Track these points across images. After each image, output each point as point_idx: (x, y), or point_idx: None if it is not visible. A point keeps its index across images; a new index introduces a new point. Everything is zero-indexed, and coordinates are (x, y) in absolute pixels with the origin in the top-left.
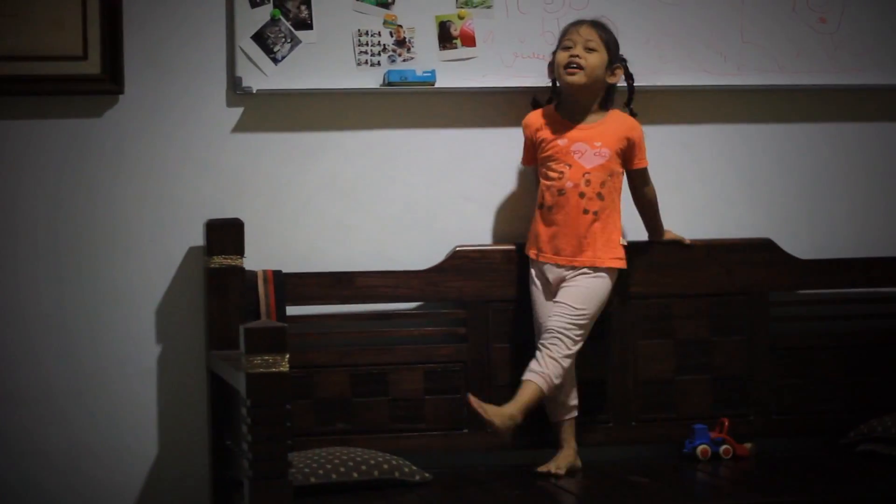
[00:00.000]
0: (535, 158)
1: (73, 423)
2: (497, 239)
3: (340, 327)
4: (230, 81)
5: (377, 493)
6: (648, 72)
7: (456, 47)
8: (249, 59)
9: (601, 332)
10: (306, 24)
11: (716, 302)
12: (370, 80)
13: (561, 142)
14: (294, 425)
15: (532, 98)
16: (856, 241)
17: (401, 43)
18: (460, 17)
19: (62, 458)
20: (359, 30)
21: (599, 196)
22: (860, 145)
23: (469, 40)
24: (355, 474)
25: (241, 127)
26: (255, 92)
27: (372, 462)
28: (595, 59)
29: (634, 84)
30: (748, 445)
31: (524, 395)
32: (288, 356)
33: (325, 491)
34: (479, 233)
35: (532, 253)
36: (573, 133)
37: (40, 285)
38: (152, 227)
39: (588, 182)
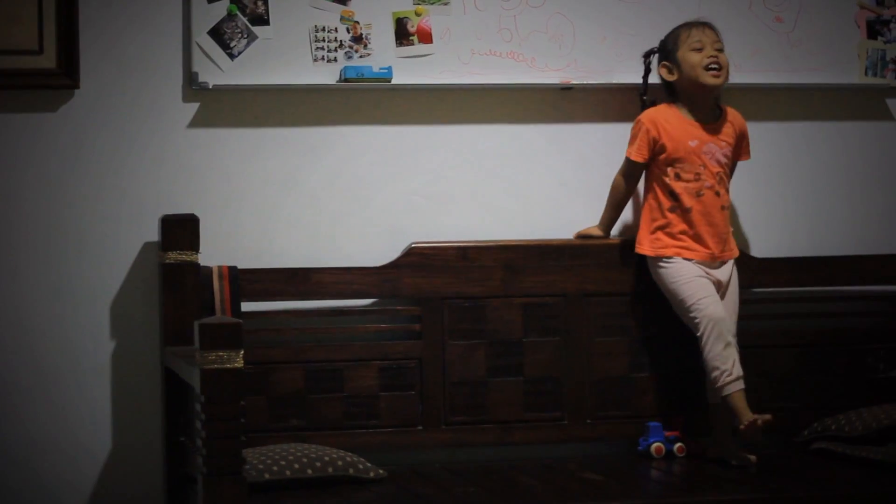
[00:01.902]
0: (651, 155)
1: (26, 418)
2: (453, 236)
3: (295, 323)
4: (186, 77)
5: (332, 490)
6: (604, 70)
7: (413, 44)
8: (206, 54)
9: (556, 329)
10: (263, 20)
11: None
12: (327, 76)
13: (692, 143)
14: (248, 422)
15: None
16: (812, 240)
17: (357, 39)
18: (417, 14)
19: (15, 453)
20: (315, 26)
21: (727, 191)
22: (816, 144)
23: (426, 37)
24: (310, 471)
25: (197, 122)
26: (211, 87)
27: (326, 459)
28: (726, 59)
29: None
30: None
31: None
32: (243, 352)
33: (280, 487)
34: (434, 229)
35: (675, 252)
36: (702, 134)
37: None
38: (107, 222)
39: (721, 180)
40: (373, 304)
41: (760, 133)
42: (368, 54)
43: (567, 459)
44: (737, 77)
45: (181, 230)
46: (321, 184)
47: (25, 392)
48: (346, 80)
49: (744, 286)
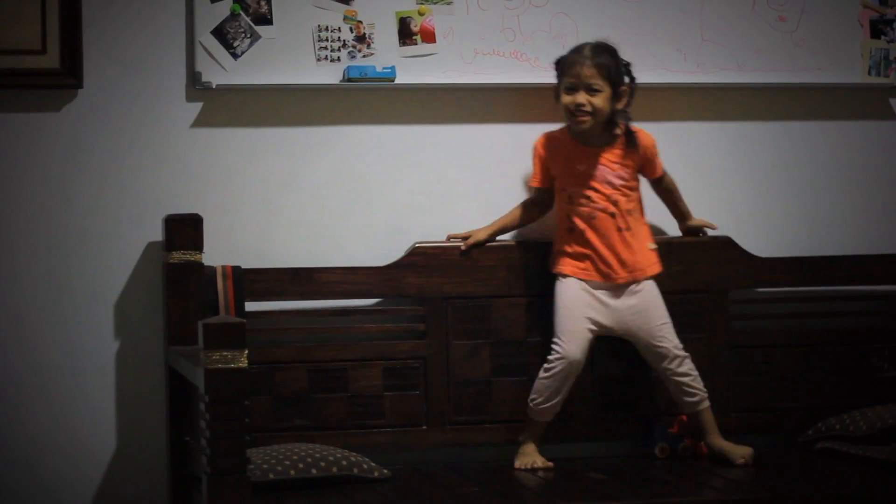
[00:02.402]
0: (548, 181)
1: (30, 418)
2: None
3: (299, 323)
4: (189, 76)
5: (336, 489)
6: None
7: (416, 43)
8: (209, 53)
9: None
10: (266, 20)
11: (676, 300)
12: (330, 75)
13: (580, 167)
14: (253, 421)
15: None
16: (815, 239)
17: (361, 39)
18: (420, 14)
19: (20, 453)
20: (319, 25)
21: (628, 212)
22: (819, 143)
23: (429, 36)
24: (314, 471)
25: (200, 122)
26: (214, 87)
27: (331, 458)
28: (600, 101)
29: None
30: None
31: (713, 423)
32: (247, 352)
33: (284, 487)
34: (438, 229)
35: (571, 272)
36: (591, 158)
37: None
38: (111, 222)
39: (616, 203)
40: (377, 304)
41: (762, 132)
42: (372, 54)
43: (571, 459)
44: (739, 76)
45: (185, 230)
46: (325, 183)
47: (29, 392)
48: (349, 80)
49: (747, 286)
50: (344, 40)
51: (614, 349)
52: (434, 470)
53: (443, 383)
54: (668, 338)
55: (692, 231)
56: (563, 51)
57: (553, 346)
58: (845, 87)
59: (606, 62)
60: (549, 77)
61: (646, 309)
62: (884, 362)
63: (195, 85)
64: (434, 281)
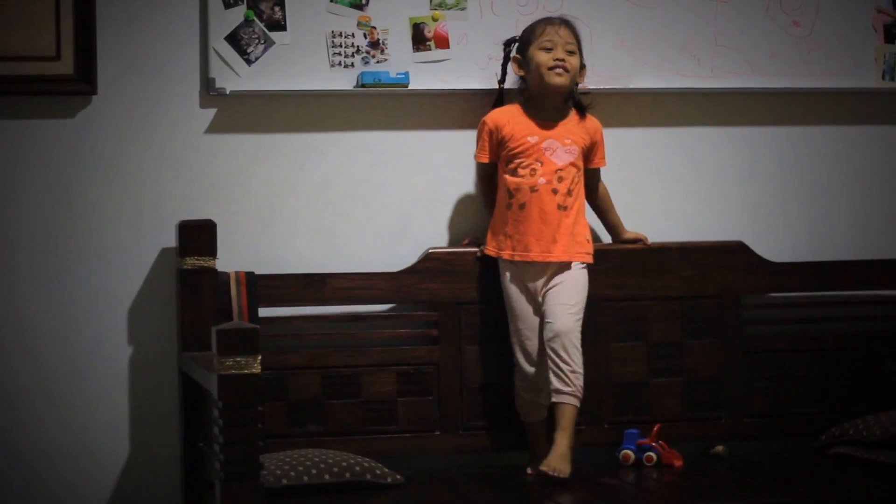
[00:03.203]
0: (495, 155)
1: (44, 423)
2: (470, 241)
3: (313, 329)
4: (203, 82)
5: (349, 495)
6: (622, 74)
7: (430, 49)
8: (223, 60)
9: None
10: (280, 26)
11: (688, 304)
12: (344, 81)
13: (531, 139)
14: (266, 427)
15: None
16: (828, 244)
17: (374, 44)
18: (434, 19)
19: (34, 459)
20: (332, 31)
21: (569, 193)
22: (832, 148)
23: (443, 42)
24: (327, 476)
25: (214, 128)
26: (228, 93)
27: (344, 464)
28: (575, 62)
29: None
30: (719, 448)
31: (568, 422)
32: (260, 358)
33: (297, 493)
34: (451, 234)
35: (504, 253)
36: (543, 131)
37: (12, 286)
38: (125, 228)
39: (560, 179)
40: (390, 310)
41: (777, 137)
42: (385, 59)
43: (585, 464)
44: (754, 81)
45: (198, 236)
46: (339, 189)
47: (42, 398)
48: (363, 86)
49: (760, 291)
50: (358, 46)
51: (627, 355)
52: (448, 475)
53: (456, 389)
54: (564, 318)
55: (628, 242)
56: None
57: (513, 347)
58: (859, 91)
59: (577, 30)
60: None
61: (562, 287)
62: None
63: (209, 91)
64: (447, 286)
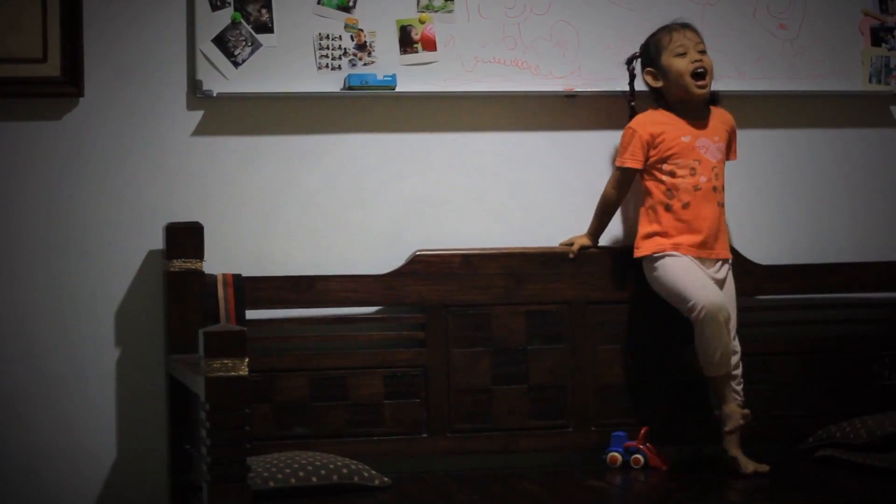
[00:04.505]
0: (644, 159)
1: (30, 426)
2: (457, 243)
3: (300, 331)
4: (190, 85)
5: (336, 497)
6: (609, 77)
7: (417, 51)
8: (210, 62)
9: (560, 337)
10: (267, 28)
11: (675, 308)
12: (331, 84)
13: (685, 139)
14: (253, 429)
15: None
16: (816, 247)
17: (362, 47)
18: (421, 22)
19: (20, 461)
20: (319, 33)
21: (723, 188)
22: (819, 151)
23: (430, 45)
24: (314, 479)
25: (201, 130)
26: (215, 95)
27: (331, 466)
28: (708, 61)
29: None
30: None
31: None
32: (247, 360)
33: (285, 495)
34: (439, 237)
35: (671, 248)
36: (694, 130)
37: None
38: (111, 231)
39: (717, 175)
40: (377, 312)
41: (764, 140)
42: (372, 62)
43: (572, 467)
44: (741, 84)
45: (186, 238)
46: (325, 191)
47: (30, 400)
48: (350, 88)
49: (747, 293)
50: (345, 48)
51: (613, 357)
52: (435, 478)
53: (443, 391)
54: (735, 323)
55: None
56: (563, 58)
57: (695, 298)
58: (846, 94)
59: (699, 31)
60: (549, 85)
61: (727, 293)
62: (884, 370)
63: (196, 93)
64: (435, 289)
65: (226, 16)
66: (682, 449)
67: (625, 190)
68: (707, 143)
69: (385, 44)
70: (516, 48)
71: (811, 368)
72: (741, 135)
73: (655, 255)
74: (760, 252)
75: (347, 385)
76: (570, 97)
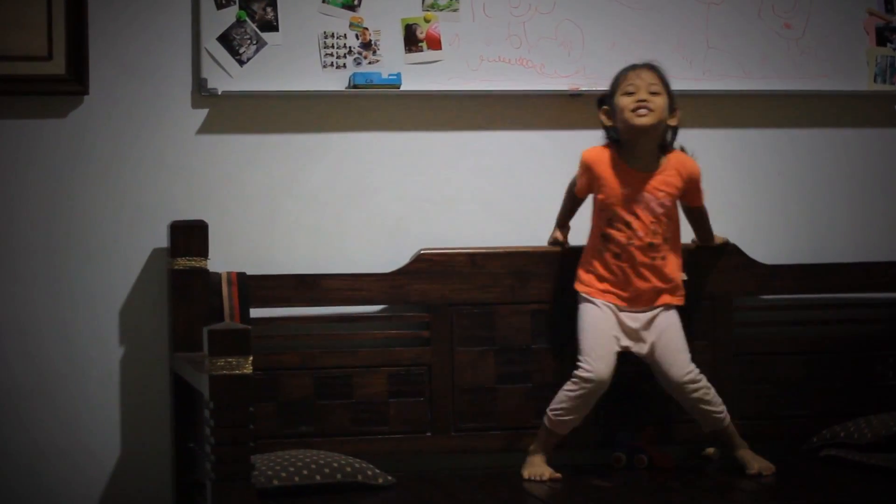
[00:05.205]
0: (588, 191)
1: (35, 424)
2: (461, 242)
3: (304, 330)
4: (195, 83)
5: (340, 495)
6: (614, 76)
7: (422, 50)
8: (215, 60)
9: (564, 336)
10: (272, 26)
11: (679, 306)
12: (336, 82)
13: (625, 190)
14: (257, 428)
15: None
16: (820, 247)
17: (366, 45)
18: (426, 20)
19: (24, 459)
20: (324, 32)
21: (665, 241)
22: (824, 151)
23: (435, 43)
24: (318, 477)
25: (206, 128)
26: (220, 93)
27: (335, 465)
28: (661, 101)
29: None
30: (711, 450)
31: (737, 435)
32: (251, 358)
33: (288, 493)
34: (444, 236)
35: (595, 293)
36: (637, 182)
37: (3, 286)
38: (116, 229)
39: (655, 232)
40: (381, 311)
41: (768, 139)
42: (377, 61)
43: (576, 466)
44: (746, 84)
45: (190, 236)
46: (330, 189)
47: (34, 398)
48: (354, 87)
49: (751, 293)
50: (350, 47)
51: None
52: (439, 477)
53: (447, 390)
54: (686, 365)
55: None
56: (568, 58)
57: (581, 365)
58: (851, 94)
59: (662, 73)
60: (554, 84)
61: (666, 336)
62: (888, 370)
63: (201, 91)
64: (439, 288)
65: (231, 14)
66: (687, 448)
67: (575, 202)
68: (649, 198)
69: (390, 42)
70: (521, 47)
71: (815, 368)
72: (744, 134)
73: (584, 294)
74: (764, 251)
75: (352, 384)
76: (575, 96)
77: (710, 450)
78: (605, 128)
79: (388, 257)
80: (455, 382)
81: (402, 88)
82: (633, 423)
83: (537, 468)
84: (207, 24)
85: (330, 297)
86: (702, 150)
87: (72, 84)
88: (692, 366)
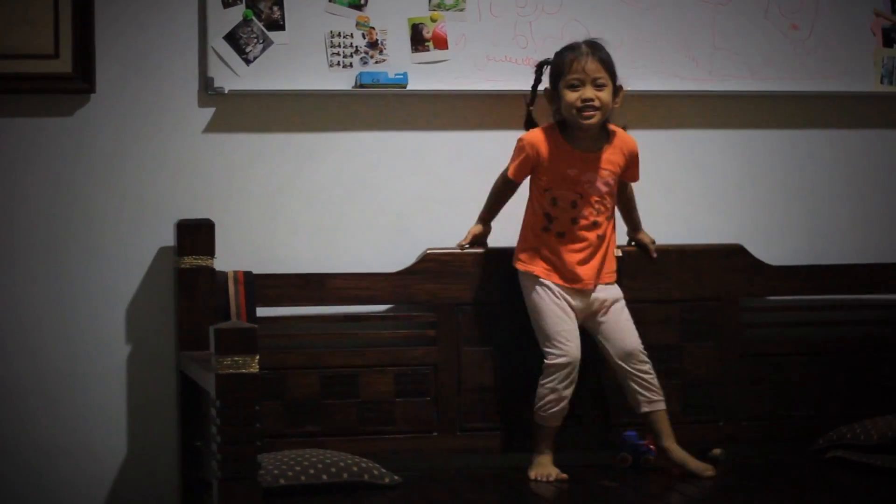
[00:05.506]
0: (527, 175)
1: (41, 422)
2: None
3: (311, 329)
4: (202, 82)
5: (346, 495)
6: (620, 76)
7: (428, 50)
8: (221, 59)
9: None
10: (279, 25)
11: (687, 308)
12: (342, 81)
13: (571, 171)
14: (264, 427)
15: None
16: (827, 248)
17: (373, 45)
18: (433, 20)
19: (30, 457)
20: (331, 31)
21: (608, 219)
22: (830, 151)
23: (441, 43)
24: (325, 476)
25: (212, 127)
26: (226, 92)
27: (342, 464)
28: (606, 96)
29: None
30: (717, 451)
31: (669, 426)
32: (258, 357)
33: (295, 493)
34: (449, 235)
35: (540, 272)
36: (581, 163)
37: (9, 285)
38: (122, 227)
39: (599, 211)
40: (388, 311)
41: (774, 140)
42: (384, 60)
43: (584, 466)
44: (752, 84)
45: (196, 235)
46: (336, 189)
47: (40, 396)
48: (361, 86)
49: (758, 294)
50: (356, 46)
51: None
52: (445, 476)
53: (454, 390)
54: (633, 336)
55: (639, 245)
56: None
57: (551, 352)
58: (857, 95)
59: (607, 57)
60: None
61: (616, 310)
62: (895, 371)
63: (207, 90)
64: (445, 287)
65: (237, 13)
66: (693, 449)
67: (508, 194)
68: (593, 177)
69: (396, 42)
70: (528, 47)
71: (822, 369)
72: (751, 134)
73: (529, 273)
74: (770, 253)
75: (358, 383)
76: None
77: (717, 450)
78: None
79: (393, 256)
80: (461, 382)
81: (409, 88)
82: (641, 423)
83: (544, 469)
84: (214, 22)
85: (336, 296)
86: (707, 150)
87: (78, 82)
88: (639, 339)
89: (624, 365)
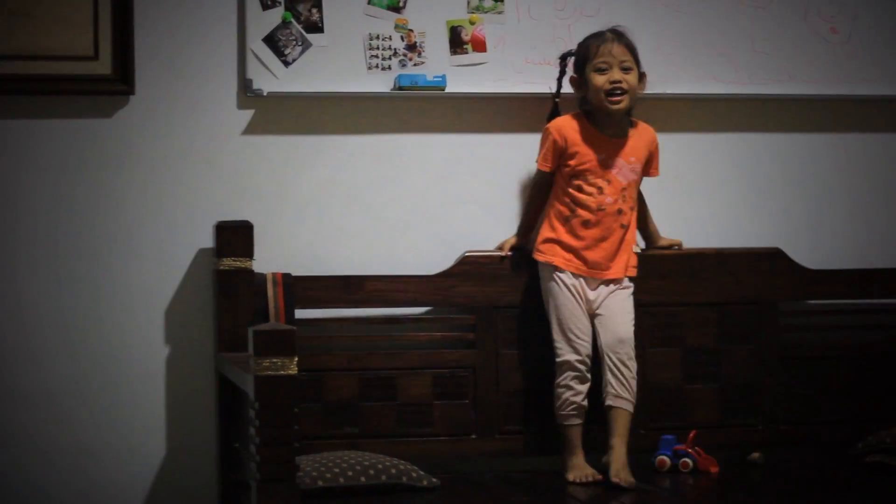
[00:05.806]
0: (556, 164)
1: (80, 424)
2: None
3: (349, 331)
4: (241, 83)
5: (384, 497)
6: (659, 79)
7: (467, 52)
8: (260, 61)
9: None
10: (317, 28)
11: (724, 311)
12: (381, 84)
13: (599, 156)
14: (302, 428)
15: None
16: (865, 252)
17: (412, 47)
18: (471, 23)
19: (69, 459)
20: (370, 34)
21: (631, 209)
22: (869, 156)
23: (480, 45)
24: (363, 478)
25: (251, 129)
26: (265, 94)
27: (380, 466)
28: (633, 79)
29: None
30: (756, 455)
31: (626, 429)
32: (296, 359)
33: (333, 495)
34: (487, 238)
35: (560, 262)
36: (610, 148)
37: (49, 286)
38: (162, 229)
39: (625, 198)
40: (426, 313)
41: (814, 144)
42: (422, 62)
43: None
44: (790, 88)
45: (235, 237)
46: (375, 191)
47: (80, 397)
48: (400, 88)
49: (797, 298)
50: (395, 49)
51: (663, 361)
52: (483, 479)
53: (492, 393)
54: (628, 326)
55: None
56: None
57: (560, 347)
58: None
59: (631, 43)
60: None
61: (619, 296)
62: None
63: (246, 92)
64: (484, 290)
65: (276, 15)
66: (732, 453)
67: (544, 190)
68: (622, 163)
69: (435, 44)
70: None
71: (861, 373)
72: (790, 138)
73: (549, 264)
74: (810, 256)
75: (396, 385)
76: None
77: (756, 454)
78: (578, 97)
79: (434, 259)
80: (500, 385)
81: (447, 90)
82: (678, 426)
83: (581, 470)
84: (253, 24)
85: (374, 298)
86: (747, 153)
87: (118, 84)
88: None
89: (610, 353)
